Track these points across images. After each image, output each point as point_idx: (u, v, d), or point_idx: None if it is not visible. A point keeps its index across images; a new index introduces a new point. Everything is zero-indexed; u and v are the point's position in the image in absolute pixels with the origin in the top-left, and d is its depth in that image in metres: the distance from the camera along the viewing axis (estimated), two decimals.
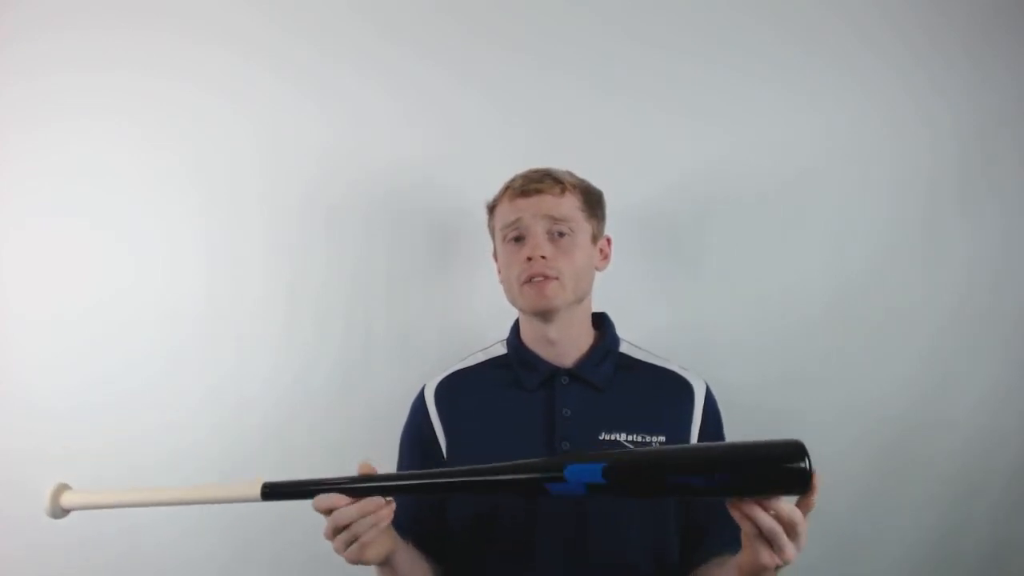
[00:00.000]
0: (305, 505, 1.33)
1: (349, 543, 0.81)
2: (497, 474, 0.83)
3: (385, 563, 0.88)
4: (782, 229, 1.33)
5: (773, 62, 1.33)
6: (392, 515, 0.84)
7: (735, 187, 1.34)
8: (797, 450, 0.74)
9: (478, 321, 1.30)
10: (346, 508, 0.81)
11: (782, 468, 0.74)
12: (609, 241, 1.11)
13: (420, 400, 1.08)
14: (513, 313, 1.12)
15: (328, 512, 0.82)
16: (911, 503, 1.30)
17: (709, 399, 1.05)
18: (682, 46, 1.34)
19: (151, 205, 1.36)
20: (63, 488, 0.87)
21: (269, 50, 1.36)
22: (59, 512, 0.86)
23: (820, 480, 0.73)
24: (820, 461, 1.27)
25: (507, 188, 1.07)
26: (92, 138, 1.35)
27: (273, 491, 0.84)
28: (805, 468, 0.73)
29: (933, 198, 1.31)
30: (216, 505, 1.30)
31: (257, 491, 0.83)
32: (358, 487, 0.82)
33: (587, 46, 1.35)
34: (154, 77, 1.35)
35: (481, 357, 1.11)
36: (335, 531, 0.82)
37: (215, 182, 1.36)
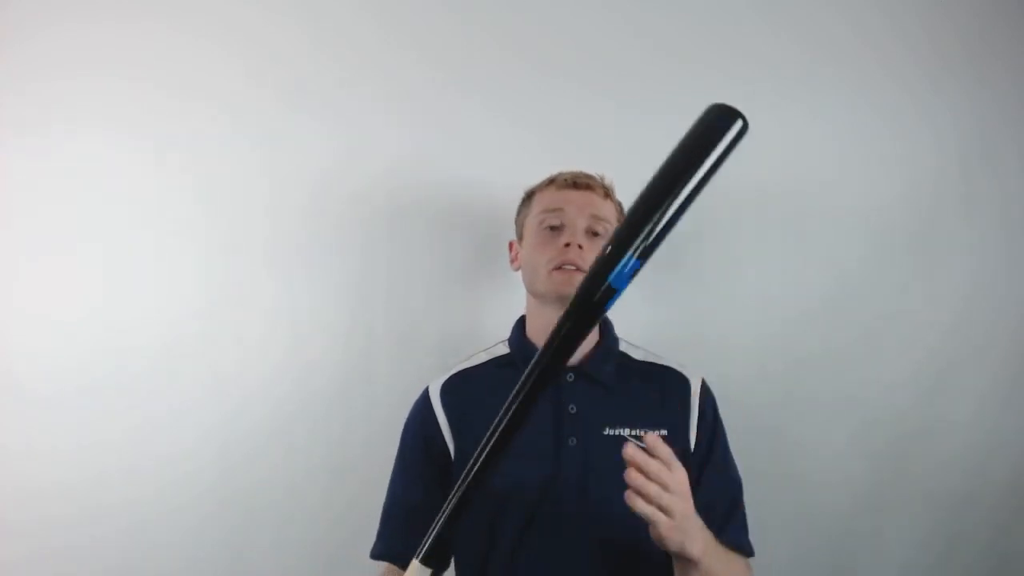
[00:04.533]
0: (305, 505, 1.33)
1: None
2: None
3: None
4: (782, 231, 1.33)
5: (773, 65, 1.33)
6: None
7: (735, 189, 1.33)
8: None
9: (479, 322, 1.30)
10: None
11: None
12: None
13: (425, 399, 1.09)
14: (515, 313, 1.12)
15: None
16: (910, 505, 1.29)
17: (705, 392, 1.07)
18: (682, 49, 1.34)
19: (152, 205, 1.36)
20: None
21: (271, 52, 1.36)
22: None
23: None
24: (819, 462, 1.28)
25: (553, 179, 1.12)
26: (94, 142, 1.35)
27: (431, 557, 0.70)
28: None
29: (932, 200, 1.31)
30: (215, 506, 1.33)
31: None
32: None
33: (588, 50, 1.35)
34: (156, 81, 1.35)
35: (484, 357, 1.12)
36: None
37: (217, 182, 1.36)
